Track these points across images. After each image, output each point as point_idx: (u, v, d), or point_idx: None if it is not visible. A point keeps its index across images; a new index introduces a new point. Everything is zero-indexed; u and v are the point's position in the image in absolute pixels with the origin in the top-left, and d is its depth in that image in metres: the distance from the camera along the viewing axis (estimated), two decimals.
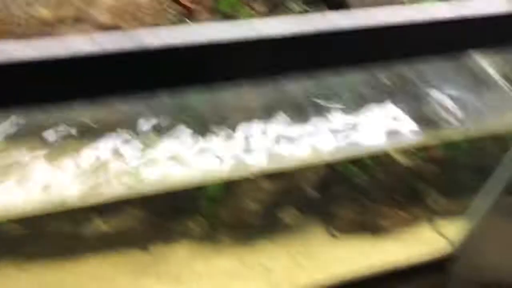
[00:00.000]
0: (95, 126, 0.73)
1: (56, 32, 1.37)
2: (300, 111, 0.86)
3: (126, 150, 0.74)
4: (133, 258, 1.15)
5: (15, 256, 1.10)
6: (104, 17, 1.40)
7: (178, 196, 1.14)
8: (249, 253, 1.23)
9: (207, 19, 1.38)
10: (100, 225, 1.09)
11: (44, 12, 1.42)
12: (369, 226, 1.32)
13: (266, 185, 1.12)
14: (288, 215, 1.21)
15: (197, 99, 0.71)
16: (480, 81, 0.91)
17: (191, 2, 1.43)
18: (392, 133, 0.98)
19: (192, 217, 1.19)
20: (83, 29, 1.41)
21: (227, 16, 1.37)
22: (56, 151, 0.73)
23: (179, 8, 1.43)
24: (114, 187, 0.73)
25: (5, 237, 1.05)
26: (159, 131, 0.73)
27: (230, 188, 1.10)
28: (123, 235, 1.12)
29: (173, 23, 1.40)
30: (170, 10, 1.43)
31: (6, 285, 1.03)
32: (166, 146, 0.77)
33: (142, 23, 1.39)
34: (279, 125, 0.85)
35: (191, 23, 1.39)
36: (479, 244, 1.29)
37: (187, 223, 1.20)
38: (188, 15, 1.42)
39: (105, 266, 1.13)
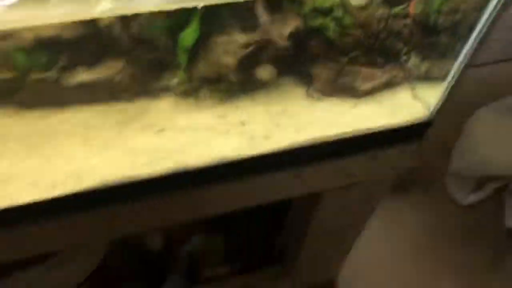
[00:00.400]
0: None
1: None
2: None
3: None
4: (118, 109, 1.22)
5: (8, 103, 1.18)
6: None
7: (157, 48, 1.18)
8: (229, 109, 1.30)
9: None
10: (84, 77, 1.15)
11: None
12: (347, 88, 1.36)
13: (240, 38, 1.15)
14: (265, 72, 1.25)
15: None
16: None
17: None
18: None
19: (172, 71, 1.24)
20: None
21: None
22: None
23: None
24: None
25: None
26: None
27: (203, 41, 1.14)
28: (108, 87, 1.19)
29: None
30: None
31: (3, 130, 1.11)
32: None
33: None
34: None
35: None
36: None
37: (168, 77, 1.25)
38: None
39: (92, 115, 1.21)
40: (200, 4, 1.02)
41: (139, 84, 1.24)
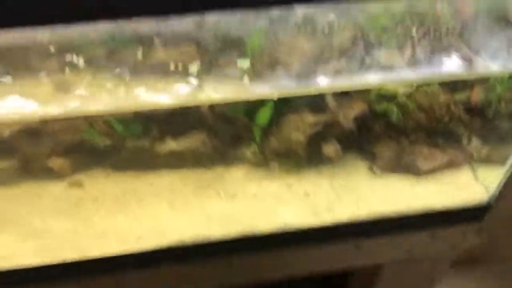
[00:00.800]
0: None
1: None
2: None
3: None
4: (198, 175, 1.38)
5: (103, 165, 1.37)
6: None
7: (237, 124, 1.34)
8: (296, 180, 1.41)
9: None
10: (173, 146, 1.32)
11: None
12: (409, 166, 1.43)
13: (310, 118, 1.28)
14: (330, 148, 1.36)
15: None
16: None
17: None
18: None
19: (247, 144, 1.39)
20: None
21: None
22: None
23: None
24: None
25: (96, 149, 1.31)
26: None
27: (277, 119, 1.28)
28: (192, 155, 1.35)
29: None
30: None
31: (96, 188, 1.30)
32: None
33: None
34: None
35: None
36: None
37: (243, 149, 1.40)
38: None
39: (176, 179, 1.37)
40: (275, 96, 1.17)
41: (218, 154, 1.40)
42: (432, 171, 1.44)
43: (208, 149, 1.31)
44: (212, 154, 1.33)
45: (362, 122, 1.33)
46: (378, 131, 1.35)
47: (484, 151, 1.41)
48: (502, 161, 1.42)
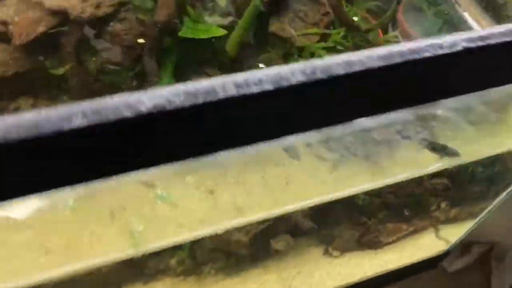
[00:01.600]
0: None
1: None
2: None
3: None
4: None
5: None
6: (49, 1, 1.09)
7: None
8: (237, 283, 1.09)
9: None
10: None
11: None
12: (370, 243, 1.19)
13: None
14: (281, 243, 1.05)
15: None
16: None
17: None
18: None
19: (171, 251, 1.02)
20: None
21: None
22: None
23: None
24: None
25: None
26: None
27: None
28: None
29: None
30: None
31: None
32: None
33: (87, 1, 1.09)
34: None
35: None
36: None
37: (166, 257, 1.03)
38: None
39: None
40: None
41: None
42: (394, 242, 1.21)
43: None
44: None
45: (320, 210, 1.02)
46: (339, 216, 1.06)
47: (452, 212, 1.20)
48: (469, 217, 1.26)
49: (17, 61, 1.12)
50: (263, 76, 0.38)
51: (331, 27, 1.17)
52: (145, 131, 0.35)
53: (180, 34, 1.04)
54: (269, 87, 0.38)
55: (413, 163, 0.90)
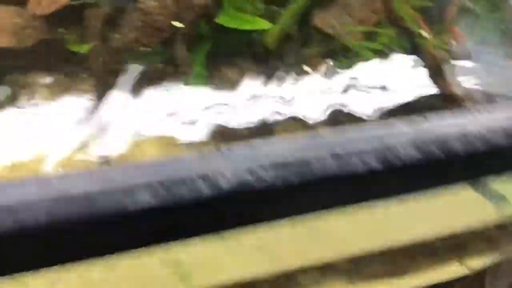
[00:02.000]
0: None
1: None
2: None
3: None
4: None
5: None
6: None
7: None
8: None
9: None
10: None
11: None
12: None
13: None
14: None
15: None
16: None
17: None
18: None
19: None
20: None
21: None
22: None
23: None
24: None
25: None
26: None
27: None
28: None
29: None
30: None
31: None
32: None
33: None
34: None
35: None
36: None
37: None
38: None
39: None
40: None
41: None
42: None
43: None
44: None
45: None
46: None
47: None
48: None
49: (35, 31, 1.03)
50: (365, 147, 0.30)
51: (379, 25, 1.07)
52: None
53: (217, 20, 0.95)
54: (375, 164, 0.29)
55: None
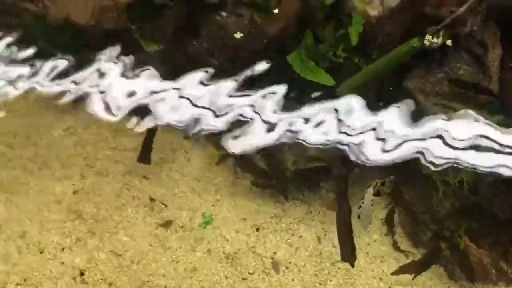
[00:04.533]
0: None
1: None
2: None
3: None
4: None
5: None
6: None
7: None
8: None
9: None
10: None
11: None
12: None
13: None
14: None
15: None
16: None
17: None
18: None
19: None
20: None
21: None
22: None
23: None
24: None
25: None
26: None
27: None
28: None
29: None
30: None
31: None
32: None
33: None
34: None
35: None
36: None
37: None
38: None
39: None
40: None
41: None
42: None
43: None
44: None
45: None
46: None
47: None
48: None
49: (114, 18, 1.02)
50: None
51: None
52: None
53: (288, 57, 0.90)
54: None
55: None
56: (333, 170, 0.96)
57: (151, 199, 1.05)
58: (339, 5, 0.92)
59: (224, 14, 0.97)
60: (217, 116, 0.99)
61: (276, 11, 0.91)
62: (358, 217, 0.91)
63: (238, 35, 0.92)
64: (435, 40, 0.83)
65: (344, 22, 0.92)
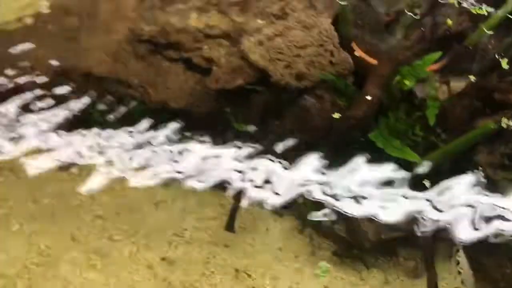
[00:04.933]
0: None
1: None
2: None
3: None
4: None
5: None
6: (255, 56, 1.08)
7: None
8: None
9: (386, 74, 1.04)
10: None
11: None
12: None
13: None
14: None
15: None
16: None
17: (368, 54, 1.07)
18: None
19: None
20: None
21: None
22: None
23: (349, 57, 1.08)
24: None
25: None
26: None
27: None
28: None
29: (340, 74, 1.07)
30: (336, 60, 1.08)
31: None
32: None
33: (291, 69, 1.07)
34: None
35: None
36: None
37: None
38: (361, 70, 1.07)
39: None
40: None
41: None
42: None
43: None
44: None
45: None
46: None
47: None
48: None
49: (208, 101, 1.14)
50: None
51: None
52: None
53: (370, 136, 0.99)
54: None
55: None
56: (420, 240, 1.01)
57: (236, 269, 1.12)
58: (413, 90, 1.04)
59: (307, 97, 1.09)
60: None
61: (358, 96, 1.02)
62: (462, 282, 0.95)
63: (336, 115, 1.02)
64: (511, 123, 0.92)
65: (418, 104, 1.02)
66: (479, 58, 1.11)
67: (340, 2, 1.09)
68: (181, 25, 1.18)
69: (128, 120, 1.20)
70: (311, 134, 1.06)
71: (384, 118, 1.00)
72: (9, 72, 1.28)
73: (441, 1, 1.14)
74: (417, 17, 1.12)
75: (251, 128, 1.10)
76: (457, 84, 1.10)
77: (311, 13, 1.10)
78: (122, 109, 1.20)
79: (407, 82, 1.01)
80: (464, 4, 1.13)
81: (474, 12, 1.11)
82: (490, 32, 1.09)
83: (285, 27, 1.09)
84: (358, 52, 1.09)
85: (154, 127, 1.18)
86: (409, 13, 1.13)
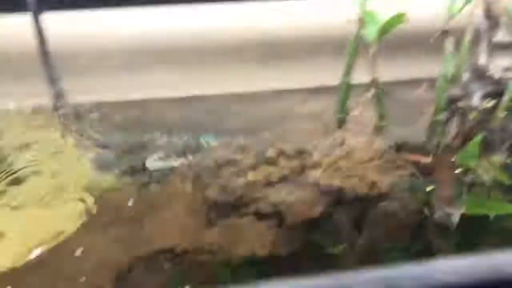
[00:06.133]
0: None
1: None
2: None
3: None
4: None
5: None
6: (315, 174, 1.18)
7: None
8: None
9: (446, 177, 1.12)
10: None
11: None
12: None
13: None
14: None
15: None
16: None
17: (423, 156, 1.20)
18: None
19: None
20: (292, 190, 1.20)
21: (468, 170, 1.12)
22: None
23: (408, 162, 1.20)
24: None
25: None
26: None
27: None
28: None
29: (404, 180, 1.16)
30: (396, 165, 1.20)
31: None
32: None
33: (363, 180, 1.16)
34: None
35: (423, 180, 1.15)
36: None
37: None
38: (422, 171, 1.18)
39: None
40: None
41: None
42: None
43: None
44: None
45: None
46: None
47: None
48: None
49: (290, 241, 1.14)
50: None
51: None
52: None
53: (466, 211, 1.03)
54: None
55: None
56: None
57: None
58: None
59: (385, 203, 1.14)
60: None
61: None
62: None
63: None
64: None
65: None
66: None
67: None
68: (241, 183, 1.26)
69: None
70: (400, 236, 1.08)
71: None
72: None
73: None
74: None
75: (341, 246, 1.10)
76: None
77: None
78: None
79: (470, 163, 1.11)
80: None
81: None
82: None
83: (345, 151, 1.21)
84: (411, 157, 1.21)
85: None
86: None
